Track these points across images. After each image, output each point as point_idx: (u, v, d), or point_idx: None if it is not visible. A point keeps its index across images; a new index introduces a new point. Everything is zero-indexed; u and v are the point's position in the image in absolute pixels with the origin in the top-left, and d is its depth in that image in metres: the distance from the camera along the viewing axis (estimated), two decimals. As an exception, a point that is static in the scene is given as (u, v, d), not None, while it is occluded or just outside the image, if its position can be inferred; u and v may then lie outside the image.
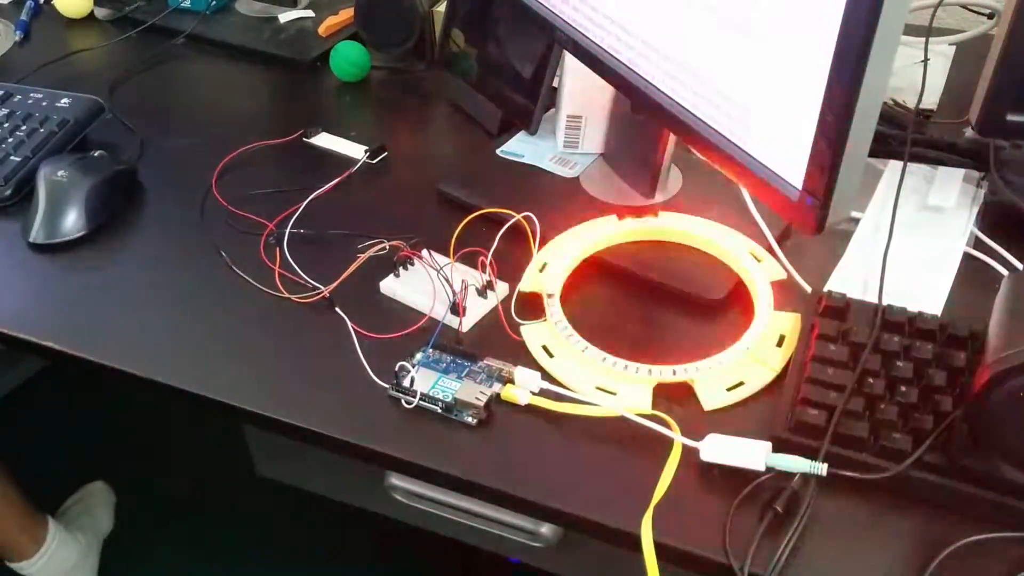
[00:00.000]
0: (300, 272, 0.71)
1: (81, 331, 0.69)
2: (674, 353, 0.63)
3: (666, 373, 0.61)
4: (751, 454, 0.55)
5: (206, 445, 1.47)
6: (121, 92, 0.98)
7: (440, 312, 0.67)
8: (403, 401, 0.61)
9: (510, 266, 0.70)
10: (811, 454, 0.55)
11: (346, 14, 1.04)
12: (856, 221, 0.75)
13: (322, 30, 1.04)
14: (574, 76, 0.80)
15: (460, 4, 0.93)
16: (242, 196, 0.80)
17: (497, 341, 0.65)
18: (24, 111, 0.87)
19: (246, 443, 0.83)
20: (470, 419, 0.60)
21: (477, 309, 0.68)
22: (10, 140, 0.84)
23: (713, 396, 0.61)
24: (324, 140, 0.88)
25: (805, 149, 0.54)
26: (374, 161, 0.85)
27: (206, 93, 1.00)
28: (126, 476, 1.44)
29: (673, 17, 0.60)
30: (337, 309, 0.68)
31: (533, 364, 0.63)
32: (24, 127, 0.85)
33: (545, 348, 0.65)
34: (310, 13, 1.09)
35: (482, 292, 0.68)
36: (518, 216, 0.71)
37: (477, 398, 0.60)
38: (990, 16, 0.96)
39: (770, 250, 0.71)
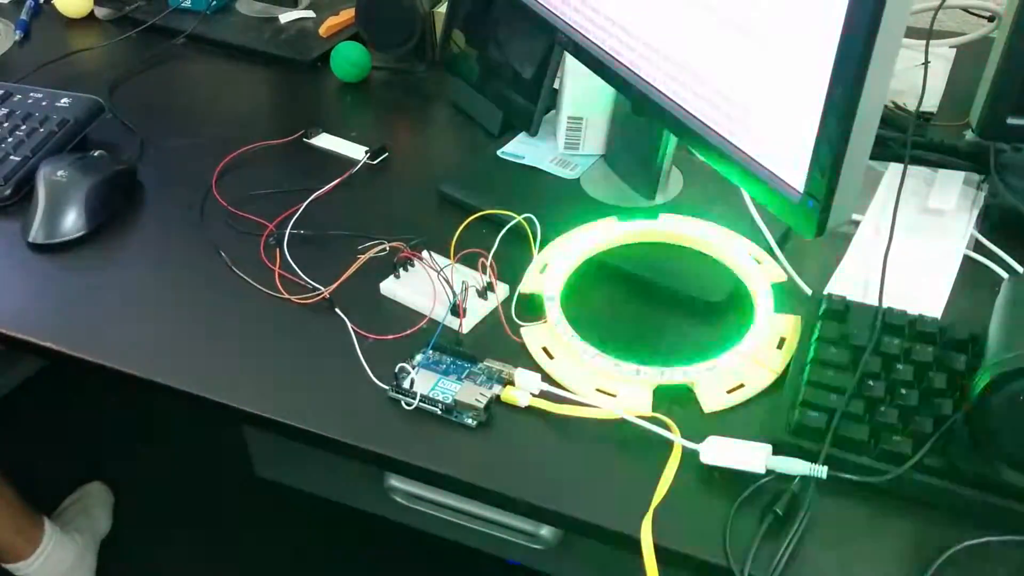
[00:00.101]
0: (300, 273, 0.71)
1: (80, 331, 0.69)
2: (674, 355, 0.63)
3: (666, 375, 0.61)
4: (751, 456, 0.55)
5: (205, 446, 1.46)
6: (121, 92, 0.97)
7: (440, 313, 0.67)
8: (403, 403, 0.61)
9: (510, 267, 0.70)
10: (811, 457, 0.55)
11: (347, 14, 1.04)
12: (856, 224, 0.75)
13: (323, 30, 1.04)
14: (575, 77, 0.80)
15: (461, 5, 0.93)
16: (242, 196, 0.80)
17: (497, 343, 0.65)
18: (24, 111, 0.87)
19: (245, 444, 0.83)
20: (470, 421, 0.60)
21: (477, 310, 0.68)
22: (10, 140, 0.84)
23: (713, 398, 0.61)
24: (324, 141, 0.88)
25: (806, 152, 0.54)
26: (374, 162, 0.85)
27: (206, 93, 1.00)
28: (125, 477, 1.44)
29: (674, 19, 0.60)
30: (337, 310, 0.68)
31: (533, 366, 0.63)
32: (24, 127, 0.85)
33: (545, 350, 0.65)
34: (311, 13, 1.09)
35: (482, 293, 0.68)
36: (519, 217, 0.71)
37: (477, 400, 0.60)
38: (990, 19, 0.96)
39: (770, 252, 0.71)
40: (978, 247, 0.72)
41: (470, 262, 0.69)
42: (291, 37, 1.06)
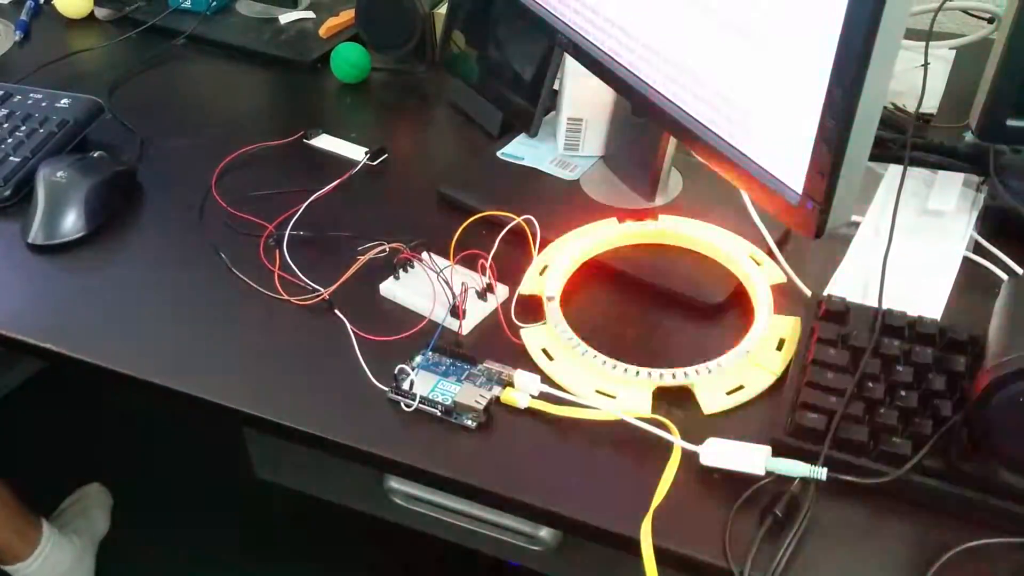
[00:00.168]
0: (299, 274, 0.71)
1: (79, 333, 0.69)
2: (674, 357, 0.63)
3: (666, 377, 0.61)
4: (751, 458, 0.55)
5: (205, 447, 1.46)
6: (121, 93, 0.97)
7: (440, 315, 0.67)
8: (402, 404, 0.61)
9: (510, 269, 0.70)
10: (811, 458, 0.55)
11: (347, 15, 1.04)
12: (856, 225, 0.75)
13: (323, 31, 1.04)
14: (575, 79, 0.80)
15: (461, 6, 0.93)
16: (242, 197, 0.80)
17: (497, 344, 0.65)
18: (24, 111, 0.87)
19: (245, 446, 0.83)
20: (470, 422, 0.60)
21: (477, 312, 0.68)
22: (9, 140, 0.84)
23: (713, 400, 0.61)
24: (324, 141, 0.88)
25: (805, 153, 0.54)
26: (374, 163, 0.85)
27: (206, 94, 1.00)
28: (123, 478, 1.44)
29: (674, 20, 0.60)
30: (336, 311, 0.68)
31: (533, 367, 0.63)
32: (24, 127, 0.85)
33: (545, 351, 0.64)
34: (311, 14, 1.09)
35: (482, 295, 0.68)
36: (518, 219, 0.71)
37: (477, 401, 0.60)
38: (990, 20, 0.97)
39: (770, 253, 0.71)
40: (978, 249, 0.72)
41: (470, 263, 0.69)
42: (291, 38, 1.06)
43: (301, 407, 0.63)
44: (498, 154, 0.84)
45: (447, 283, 0.67)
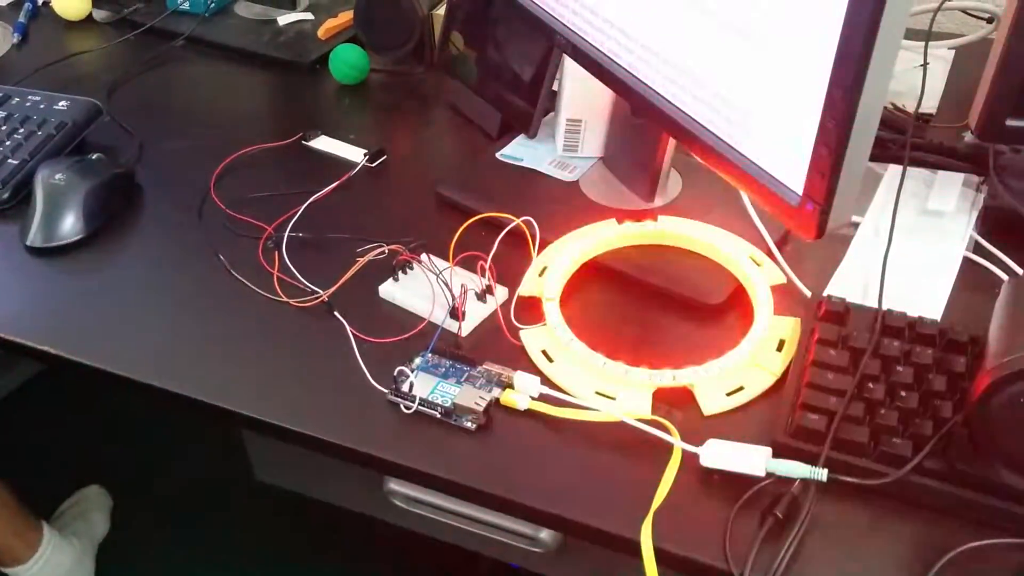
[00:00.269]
0: (299, 276, 0.71)
1: (78, 335, 0.69)
2: (674, 358, 0.63)
3: (666, 378, 0.61)
4: (751, 459, 0.55)
5: (204, 450, 1.46)
6: (119, 94, 0.97)
7: (439, 316, 0.66)
8: (402, 406, 0.61)
9: (509, 270, 0.70)
10: (811, 459, 0.55)
11: (345, 17, 1.04)
12: (856, 225, 0.75)
13: (321, 33, 1.04)
14: (574, 80, 0.80)
15: (460, 7, 0.93)
16: (240, 199, 0.80)
17: (496, 345, 0.65)
18: (22, 114, 0.87)
19: (244, 448, 0.82)
20: (469, 424, 0.60)
21: (476, 313, 0.68)
22: (8, 143, 0.84)
23: (713, 401, 0.61)
24: (323, 143, 0.88)
25: (805, 154, 0.54)
26: (373, 164, 0.85)
27: (205, 96, 1.00)
28: (123, 480, 1.43)
29: (673, 21, 0.60)
30: (336, 313, 0.68)
31: (532, 369, 0.63)
32: (22, 130, 0.85)
33: (544, 352, 0.64)
34: (309, 16, 1.09)
35: (481, 296, 0.68)
36: (517, 220, 0.70)
37: (476, 403, 0.60)
38: (989, 20, 0.96)
39: (770, 254, 0.71)
40: (978, 249, 0.72)
41: (469, 265, 0.69)
42: (289, 39, 1.06)
43: (300, 409, 0.63)
44: (497, 155, 0.84)
45: (446, 285, 0.67)
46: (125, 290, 0.73)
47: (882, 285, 0.65)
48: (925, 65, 0.82)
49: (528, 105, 0.85)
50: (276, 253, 0.74)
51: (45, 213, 0.77)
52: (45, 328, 0.70)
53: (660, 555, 0.52)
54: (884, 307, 0.62)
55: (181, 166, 0.86)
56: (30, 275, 0.75)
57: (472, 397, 0.61)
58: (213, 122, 0.94)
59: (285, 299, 0.70)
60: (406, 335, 0.66)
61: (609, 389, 0.61)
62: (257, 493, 1.10)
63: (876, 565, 0.52)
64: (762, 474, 0.55)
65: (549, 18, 0.73)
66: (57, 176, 0.78)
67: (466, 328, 0.67)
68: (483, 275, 0.68)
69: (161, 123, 0.93)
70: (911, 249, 0.71)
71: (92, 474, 1.43)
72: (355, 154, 0.86)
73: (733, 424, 0.60)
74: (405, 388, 0.61)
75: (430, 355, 0.64)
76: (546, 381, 0.62)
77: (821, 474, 0.53)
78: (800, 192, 0.55)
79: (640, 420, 0.58)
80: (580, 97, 0.80)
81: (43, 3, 1.14)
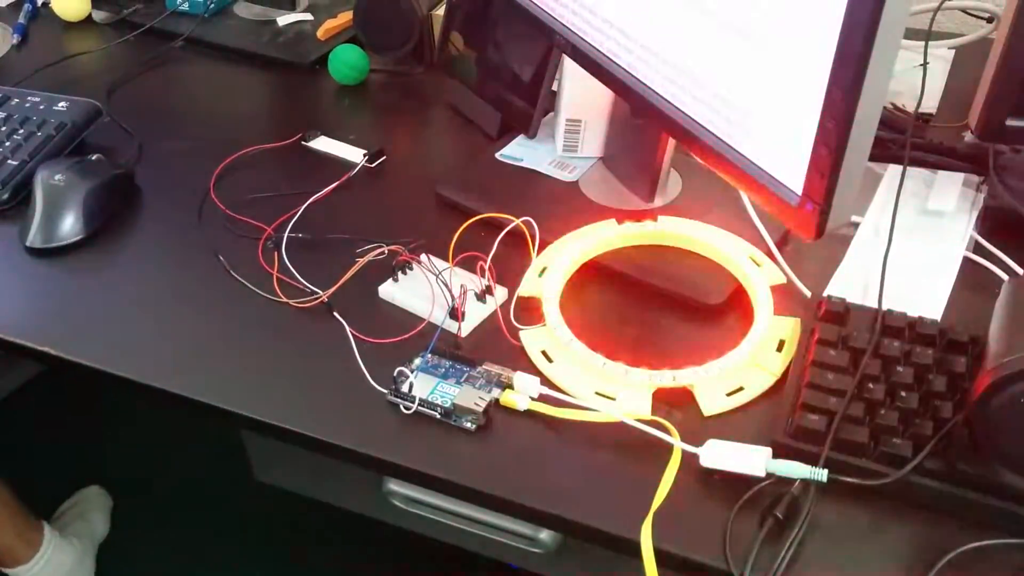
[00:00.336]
0: (298, 276, 0.71)
1: (78, 336, 0.69)
2: (674, 358, 0.63)
3: (666, 378, 0.61)
4: (751, 460, 0.55)
5: (204, 450, 1.46)
6: (119, 95, 0.97)
7: (439, 317, 0.66)
8: (402, 407, 0.61)
9: (509, 271, 0.70)
10: (811, 460, 0.55)
11: (345, 17, 1.04)
12: (856, 225, 0.74)
13: (321, 33, 1.04)
14: (573, 80, 0.80)
15: (459, 7, 0.93)
16: (240, 200, 0.80)
17: (496, 346, 0.65)
18: (21, 114, 0.87)
19: (244, 448, 0.83)
20: (469, 425, 0.60)
21: (476, 314, 0.68)
22: (7, 144, 0.84)
23: (713, 401, 0.61)
24: (323, 144, 0.88)
25: (805, 154, 0.54)
26: (373, 165, 0.85)
27: (204, 96, 1.00)
28: (123, 481, 1.43)
29: (672, 21, 0.60)
30: (335, 314, 0.68)
31: (532, 369, 0.63)
32: (21, 131, 0.85)
33: (544, 353, 0.64)
34: (309, 16, 1.09)
35: (481, 297, 0.68)
36: (517, 220, 0.70)
37: (476, 403, 0.60)
38: (989, 20, 0.96)
39: (770, 254, 0.71)
40: (978, 249, 0.72)
41: (469, 265, 0.69)
42: (289, 40, 1.06)
43: (300, 410, 0.62)
44: (497, 155, 0.83)
45: (446, 285, 0.67)
46: (125, 291, 0.73)
47: (882, 285, 0.65)
48: (925, 65, 0.82)
49: (528, 105, 0.85)
50: (276, 253, 0.74)
51: (45, 214, 0.77)
52: (44, 329, 0.70)
53: (660, 556, 0.52)
54: (884, 307, 0.62)
55: (181, 167, 0.86)
56: (30, 276, 0.75)
57: (472, 398, 0.60)
58: (213, 123, 0.94)
59: (285, 299, 0.70)
60: (406, 335, 0.66)
61: (609, 389, 0.61)
62: (257, 493, 1.10)
63: (876, 566, 0.52)
64: (762, 474, 0.55)
65: (548, 18, 0.73)
66: (57, 177, 0.78)
67: (466, 328, 0.67)
68: (483, 275, 0.68)
69: (161, 124, 0.93)
70: (911, 249, 0.71)
71: (92, 474, 1.43)
72: (355, 154, 0.86)
73: (733, 424, 0.60)
74: (405, 388, 0.61)
75: (430, 355, 0.64)
76: (546, 381, 0.62)
77: (821, 474, 0.53)
78: (800, 192, 0.55)
79: (640, 420, 0.58)
80: (580, 97, 0.80)
81: (43, 4, 1.14)
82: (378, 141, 0.87)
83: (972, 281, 0.70)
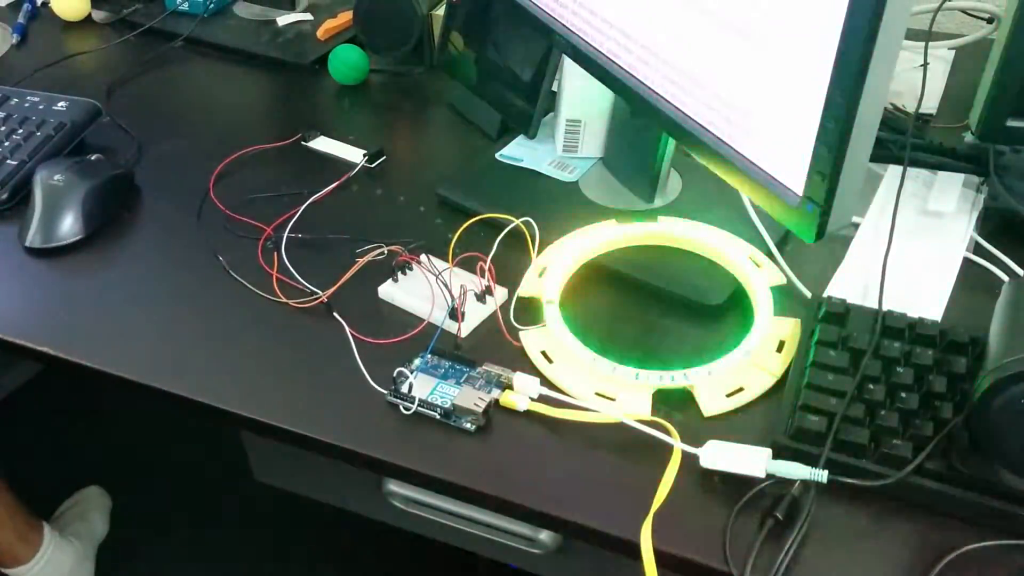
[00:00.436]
0: (298, 277, 0.71)
1: (77, 336, 0.69)
2: (673, 359, 0.63)
3: (665, 379, 0.61)
4: (751, 460, 0.55)
5: (203, 450, 1.46)
6: (118, 95, 0.97)
7: (439, 317, 0.66)
8: (401, 407, 0.61)
9: (509, 271, 0.70)
10: (811, 461, 0.55)
11: (345, 17, 1.04)
12: (856, 226, 0.74)
13: (320, 33, 1.04)
14: (573, 80, 0.79)
15: (459, 7, 0.92)
16: (240, 200, 0.80)
17: (496, 346, 0.65)
18: (21, 114, 0.87)
19: (243, 448, 0.82)
20: (469, 425, 0.60)
21: (476, 314, 0.68)
22: (6, 144, 0.84)
23: (713, 402, 0.61)
24: (322, 144, 0.88)
25: (806, 155, 0.54)
26: (372, 165, 0.85)
27: (204, 96, 1.00)
28: (122, 481, 1.43)
29: (672, 21, 0.60)
30: (335, 314, 0.68)
31: (532, 370, 0.63)
32: (21, 130, 0.85)
33: (544, 354, 0.64)
34: (308, 16, 1.09)
35: (481, 297, 0.68)
36: (517, 221, 0.70)
37: (476, 404, 0.60)
38: (989, 20, 0.96)
39: (770, 255, 0.71)
40: (978, 249, 0.72)
41: (468, 266, 0.69)
42: (289, 40, 1.05)
43: (299, 410, 0.62)
44: (497, 156, 0.83)
45: (446, 285, 0.67)
46: (124, 291, 0.73)
47: (882, 286, 0.65)
48: (925, 65, 0.82)
49: (527, 105, 0.85)
50: (275, 254, 0.73)
51: (44, 214, 0.77)
52: (44, 329, 0.70)
53: (660, 557, 0.52)
54: (884, 308, 0.62)
55: (180, 167, 0.86)
56: (29, 276, 0.75)
57: (471, 398, 0.60)
58: (212, 123, 0.94)
59: (284, 300, 0.70)
60: (405, 336, 0.66)
61: (609, 390, 0.61)
62: (256, 494, 1.10)
63: (876, 567, 0.52)
64: (762, 475, 0.54)
65: (549, 18, 0.73)
66: (56, 177, 0.78)
67: (465, 329, 0.67)
68: (482, 276, 0.68)
69: (160, 124, 0.92)
70: (911, 250, 0.71)
71: (92, 474, 1.43)
72: (354, 155, 0.86)
73: (733, 425, 0.60)
74: (404, 389, 0.61)
75: (429, 356, 0.64)
76: (545, 382, 0.62)
77: (821, 475, 0.53)
78: (800, 193, 0.55)
79: (640, 421, 0.58)
80: (580, 97, 0.80)
81: (42, 4, 1.14)
82: (378, 141, 0.87)
83: (972, 282, 0.69)
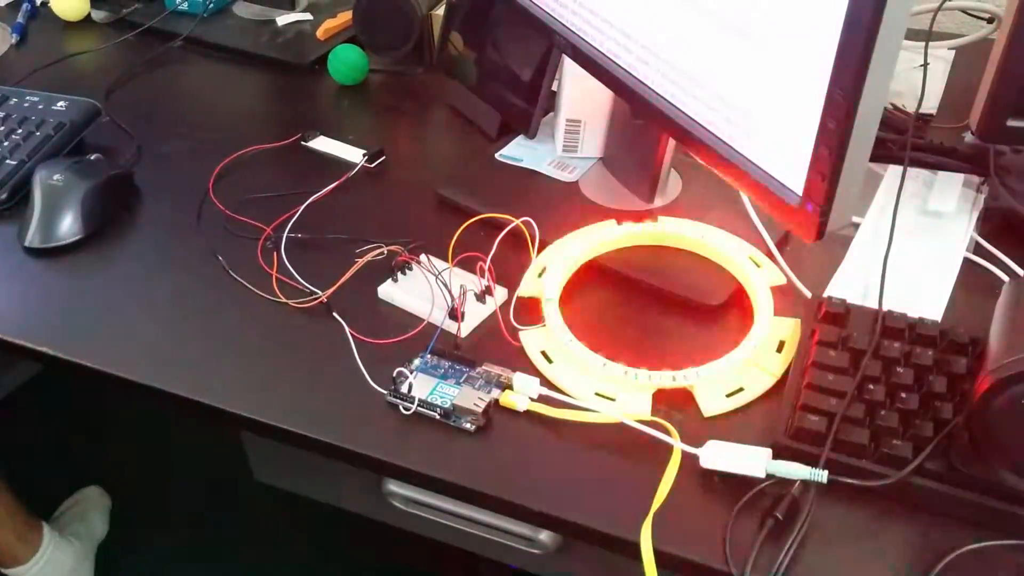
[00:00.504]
0: (297, 277, 0.71)
1: (77, 336, 0.69)
2: (673, 359, 0.63)
3: (665, 379, 0.61)
4: (751, 461, 0.55)
5: (203, 450, 1.46)
6: (118, 95, 0.97)
7: (438, 317, 0.66)
8: (401, 407, 0.61)
9: (509, 271, 0.70)
10: (811, 461, 0.55)
11: (344, 17, 1.04)
12: (856, 226, 0.74)
13: (320, 33, 1.04)
14: (573, 80, 0.79)
15: (459, 7, 0.92)
16: (239, 200, 0.80)
17: (496, 346, 0.65)
18: (20, 114, 0.87)
19: (243, 449, 0.82)
20: (468, 425, 0.60)
21: (476, 314, 0.68)
22: (6, 144, 0.84)
23: (713, 402, 0.61)
24: (322, 144, 0.88)
25: (806, 155, 0.54)
26: (372, 165, 0.85)
27: (203, 96, 1.00)
28: (122, 481, 1.43)
29: (673, 21, 0.60)
30: (335, 314, 0.68)
31: (532, 370, 0.63)
32: (20, 130, 0.85)
33: (544, 354, 0.64)
34: (308, 16, 1.09)
35: (480, 297, 0.68)
36: (517, 221, 0.70)
37: (475, 404, 0.60)
38: (990, 20, 0.96)
39: (770, 255, 0.71)
40: (978, 250, 0.72)
41: (468, 265, 0.69)
42: (288, 40, 1.05)
43: (299, 410, 0.62)
44: (496, 156, 0.83)
45: (446, 285, 0.67)
46: (123, 291, 0.73)
47: (882, 286, 0.65)
48: (925, 65, 0.82)
49: (527, 105, 0.85)
50: (275, 254, 0.73)
51: (43, 214, 0.77)
52: (43, 329, 0.70)
53: (660, 557, 0.52)
54: (884, 308, 0.62)
55: (180, 167, 0.86)
56: (28, 276, 0.75)
57: (471, 398, 0.60)
58: (212, 123, 0.94)
59: (284, 300, 0.70)
60: (405, 336, 0.66)
61: (609, 390, 0.61)
62: (256, 494, 1.10)
63: (877, 567, 0.52)
64: (762, 475, 0.54)
65: (549, 18, 0.73)
66: (55, 177, 0.78)
67: (465, 329, 0.67)
68: (482, 276, 0.68)
69: (160, 124, 0.92)
70: (911, 250, 0.71)
71: (91, 474, 1.43)
72: (354, 155, 0.86)
73: (733, 425, 0.60)
74: (404, 389, 0.61)
75: (429, 356, 0.64)
76: (545, 382, 0.62)
77: (821, 476, 0.53)
78: (800, 193, 0.55)
79: (640, 421, 0.58)
80: (579, 97, 0.80)
81: (41, 3, 1.14)
82: (377, 141, 0.87)
83: (972, 282, 0.69)
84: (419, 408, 0.61)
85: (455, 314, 0.66)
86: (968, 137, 0.78)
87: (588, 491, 0.57)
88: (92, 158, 0.82)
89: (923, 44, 0.83)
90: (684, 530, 0.54)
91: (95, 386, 0.70)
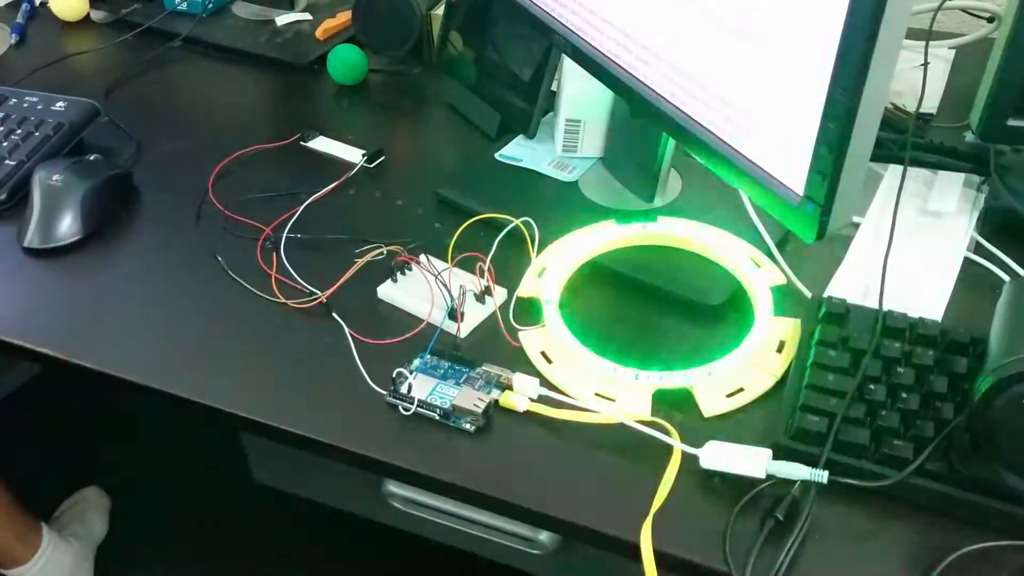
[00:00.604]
0: (297, 277, 0.71)
1: (76, 337, 0.69)
2: (674, 359, 0.63)
3: (665, 379, 0.61)
4: (751, 461, 0.55)
5: (203, 451, 1.46)
6: (117, 95, 0.97)
7: (438, 318, 0.66)
8: (401, 408, 0.61)
9: (508, 271, 0.70)
10: (812, 461, 0.54)
11: (344, 17, 1.04)
12: (856, 226, 0.74)
13: (319, 33, 1.04)
14: (573, 80, 0.79)
15: (458, 7, 0.92)
16: (239, 200, 0.80)
17: (495, 347, 0.65)
18: (19, 114, 0.87)
19: (243, 449, 0.82)
20: (468, 426, 0.60)
21: (475, 315, 0.67)
22: (5, 144, 0.84)
23: (713, 402, 0.60)
24: (321, 144, 0.88)
25: (806, 155, 0.53)
26: (372, 165, 0.85)
27: (203, 96, 1.00)
28: (122, 481, 1.43)
29: (673, 21, 0.60)
30: (334, 315, 0.68)
31: (532, 370, 0.63)
32: (19, 131, 0.85)
33: (544, 354, 0.64)
34: (307, 16, 1.09)
35: (480, 297, 0.68)
36: (516, 221, 0.70)
37: (475, 404, 0.60)
38: (990, 20, 0.96)
39: (770, 255, 0.71)
40: (979, 249, 0.72)
41: (468, 266, 0.69)
42: (288, 40, 1.05)
43: (299, 411, 0.62)
44: (496, 156, 0.83)
45: (445, 286, 0.66)
46: (122, 291, 0.73)
47: (883, 286, 0.65)
48: (925, 65, 0.82)
49: (527, 105, 0.84)
50: (274, 254, 0.73)
51: (42, 214, 0.77)
52: (43, 330, 0.69)
53: (660, 557, 0.52)
54: (885, 308, 0.62)
55: (179, 167, 0.86)
56: (27, 276, 0.75)
57: (471, 399, 0.60)
58: (211, 123, 0.94)
59: (283, 300, 0.70)
60: (405, 336, 0.66)
61: (608, 390, 0.61)
62: (256, 494, 1.10)
63: (877, 568, 0.52)
64: (762, 476, 0.54)
65: (548, 18, 0.73)
66: (55, 177, 0.78)
67: (465, 329, 0.67)
68: (482, 276, 0.67)
69: (159, 124, 0.92)
70: (912, 249, 0.71)
71: (91, 475, 1.43)
72: (353, 155, 0.86)
73: (733, 426, 0.59)
74: (404, 390, 0.61)
75: (429, 356, 0.64)
76: (545, 383, 0.62)
77: (822, 476, 0.53)
78: (800, 193, 0.55)
79: (640, 422, 0.58)
80: (579, 97, 0.80)
81: (41, 3, 1.14)
82: (377, 141, 0.87)
83: (973, 282, 0.69)
84: (419, 408, 0.60)
85: (455, 314, 0.66)
86: (968, 136, 0.78)
87: (588, 491, 0.57)
88: (91, 158, 0.82)
89: (923, 43, 0.83)
90: (684, 531, 0.54)
91: (94, 387, 0.70)
